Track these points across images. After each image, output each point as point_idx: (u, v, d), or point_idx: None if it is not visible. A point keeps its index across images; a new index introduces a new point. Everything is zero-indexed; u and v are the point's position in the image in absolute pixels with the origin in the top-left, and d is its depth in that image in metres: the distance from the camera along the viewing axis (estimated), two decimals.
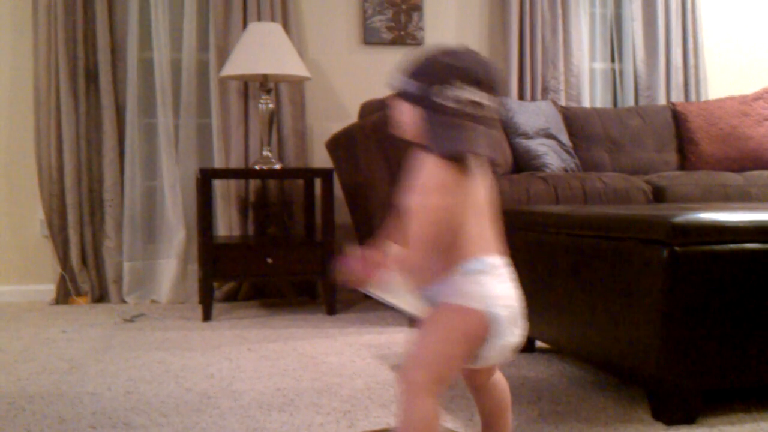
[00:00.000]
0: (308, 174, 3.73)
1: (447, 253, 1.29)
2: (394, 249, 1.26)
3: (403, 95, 1.31)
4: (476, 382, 1.43)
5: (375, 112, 3.42)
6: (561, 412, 1.88)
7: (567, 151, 3.94)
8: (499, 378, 1.45)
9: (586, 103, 4.57)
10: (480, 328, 1.27)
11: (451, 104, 1.25)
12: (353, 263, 1.24)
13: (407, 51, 4.33)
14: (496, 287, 1.29)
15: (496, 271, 1.31)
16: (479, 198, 1.32)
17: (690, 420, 1.77)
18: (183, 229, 3.94)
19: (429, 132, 1.27)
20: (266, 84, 3.71)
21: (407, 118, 1.31)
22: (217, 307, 3.66)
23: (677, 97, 4.66)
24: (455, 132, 1.25)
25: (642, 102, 4.65)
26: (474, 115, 1.26)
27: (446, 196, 1.25)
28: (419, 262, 1.26)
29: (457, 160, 1.27)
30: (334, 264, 1.29)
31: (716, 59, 4.88)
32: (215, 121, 3.98)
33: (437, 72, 1.26)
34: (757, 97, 4.27)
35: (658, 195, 3.51)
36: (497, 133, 1.30)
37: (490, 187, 1.35)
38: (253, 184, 4.03)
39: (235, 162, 3.99)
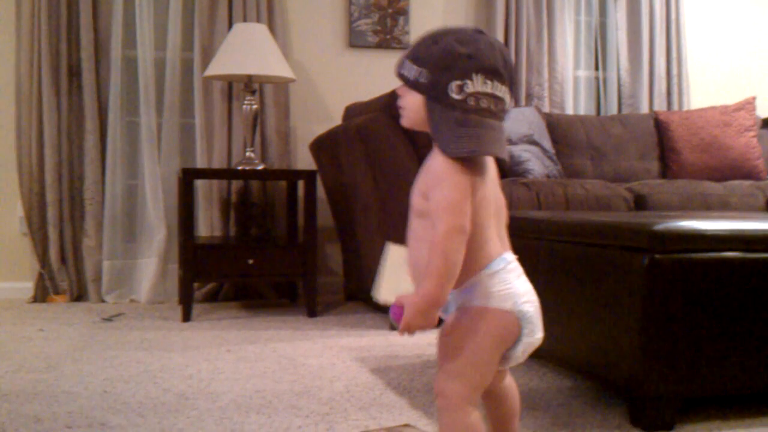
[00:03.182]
0: (291, 175, 3.72)
1: (471, 254, 1.20)
2: (424, 288, 1.16)
3: (413, 85, 1.22)
4: (490, 388, 1.33)
5: (359, 115, 3.42)
6: (539, 417, 1.88)
7: (550, 158, 3.95)
8: (510, 382, 1.39)
9: (570, 111, 4.59)
10: (512, 328, 1.23)
11: (470, 102, 1.16)
12: (400, 313, 1.18)
13: (392, 55, 4.34)
14: (519, 284, 1.25)
15: (514, 266, 1.26)
16: (489, 194, 1.25)
17: (668, 427, 1.78)
18: (164, 228, 3.91)
19: (442, 129, 1.18)
20: (250, 85, 3.70)
21: (416, 109, 1.23)
22: (197, 308, 3.64)
23: (660, 106, 4.69)
24: (471, 131, 1.16)
25: (625, 110, 4.68)
26: (491, 111, 1.18)
27: (469, 208, 1.18)
28: (448, 291, 1.18)
29: (472, 160, 1.19)
30: (390, 316, 1.23)
31: (699, 69, 4.92)
32: (198, 121, 3.96)
33: (456, 66, 1.16)
34: (739, 107, 4.31)
35: (640, 203, 3.53)
36: (504, 125, 1.22)
37: (495, 180, 1.29)
38: (236, 184, 4.02)
39: (218, 162, 3.97)
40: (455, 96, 1.17)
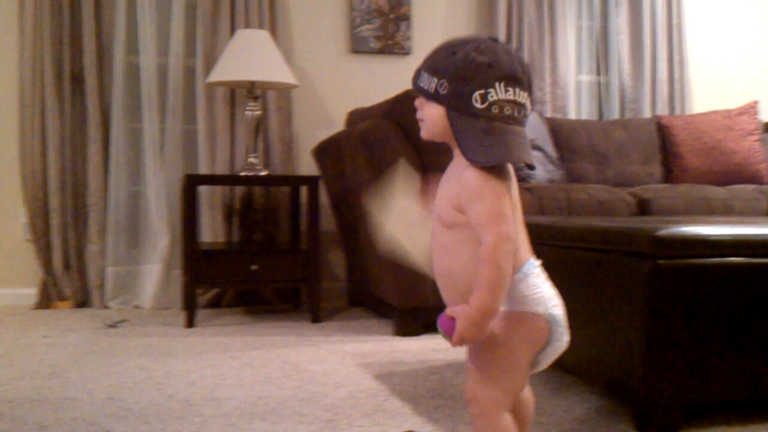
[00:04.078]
0: (294, 181, 3.72)
1: None
2: (478, 299, 1.16)
3: (433, 97, 1.21)
4: None
5: (361, 121, 3.42)
6: (544, 423, 1.88)
7: (552, 163, 3.95)
8: (528, 393, 1.39)
9: (572, 115, 4.59)
10: (544, 332, 1.24)
11: (494, 110, 1.17)
12: (451, 325, 1.18)
13: (395, 60, 4.35)
14: (547, 289, 1.26)
15: (539, 271, 1.27)
16: (516, 200, 1.25)
17: None
18: (167, 234, 3.92)
19: (468, 139, 1.18)
20: (253, 91, 3.71)
21: (437, 120, 1.22)
22: (201, 314, 3.64)
23: (662, 110, 4.69)
24: (497, 138, 1.17)
25: (627, 115, 4.68)
26: (514, 117, 1.19)
27: (511, 216, 1.19)
28: (501, 301, 1.18)
29: (500, 167, 1.20)
30: (439, 328, 1.21)
31: (701, 73, 4.92)
32: (201, 127, 3.97)
33: (477, 75, 1.17)
34: (742, 111, 4.31)
35: (643, 207, 3.52)
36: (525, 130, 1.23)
37: (516, 188, 1.29)
38: (239, 190, 4.02)
39: (221, 168, 3.97)
40: (479, 105, 1.17)
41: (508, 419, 1.24)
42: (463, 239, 1.21)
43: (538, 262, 1.29)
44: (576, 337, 1.98)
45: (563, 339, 1.27)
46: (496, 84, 1.17)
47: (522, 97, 1.19)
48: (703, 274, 1.74)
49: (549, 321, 1.24)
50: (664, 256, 1.71)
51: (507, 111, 1.17)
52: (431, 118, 1.23)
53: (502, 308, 1.23)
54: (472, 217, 1.19)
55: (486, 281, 1.15)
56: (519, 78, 1.19)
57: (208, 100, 3.99)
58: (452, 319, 1.18)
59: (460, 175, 1.22)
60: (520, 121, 1.20)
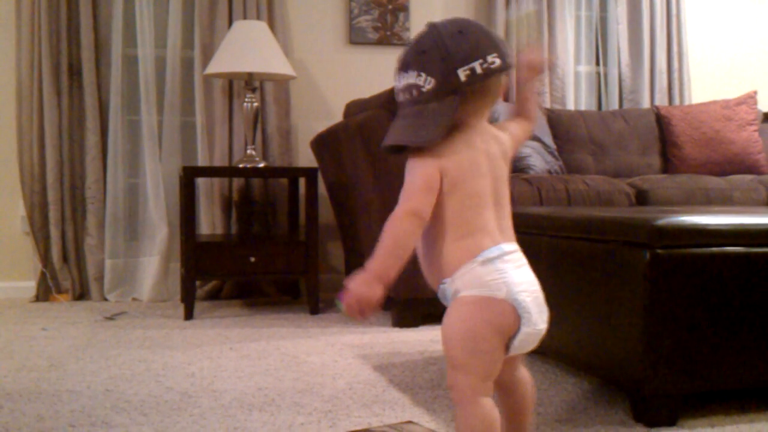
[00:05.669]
0: (292, 173, 3.71)
1: (460, 242, 1.24)
2: (371, 262, 1.22)
3: None
4: (501, 378, 1.32)
5: (360, 112, 3.41)
6: (542, 413, 1.88)
7: (551, 154, 3.95)
8: (524, 374, 1.39)
9: (571, 106, 4.58)
10: (509, 317, 1.23)
11: (399, 100, 1.28)
12: (350, 300, 1.20)
13: (393, 51, 4.34)
14: (516, 274, 1.25)
15: (513, 257, 1.26)
16: (481, 185, 1.26)
17: (671, 422, 1.77)
18: (165, 227, 3.91)
19: None
20: (251, 82, 3.70)
21: None
22: (199, 306, 3.64)
23: (661, 100, 4.68)
24: (394, 124, 1.28)
25: (626, 105, 4.67)
26: (408, 100, 1.26)
27: (427, 194, 1.24)
28: (393, 269, 1.22)
29: (433, 148, 1.25)
30: (338, 299, 1.23)
31: (700, 64, 4.91)
32: (199, 119, 3.96)
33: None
34: (740, 101, 4.30)
35: (641, 198, 3.52)
36: (451, 99, 1.23)
37: (498, 175, 1.29)
38: (237, 182, 4.02)
39: (219, 160, 3.97)
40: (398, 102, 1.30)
41: (487, 405, 1.24)
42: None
43: (512, 248, 1.28)
44: (574, 327, 1.99)
45: (535, 326, 1.26)
46: (398, 75, 1.28)
47: (410, 78, 1.25)
48: (701, 263, 1.74)
49: (515, 306, 1.23)
50: (663, 246, 1.71)
51: (402, 97, 1.27)
52: None
53: (466, 293, 1.24)
54: None
55: (380, 247, 1.22)
56: (404, 60, 1.27)
57: (206, 92, 3.98)
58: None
59: None
60: (417, 100, 1.25)
